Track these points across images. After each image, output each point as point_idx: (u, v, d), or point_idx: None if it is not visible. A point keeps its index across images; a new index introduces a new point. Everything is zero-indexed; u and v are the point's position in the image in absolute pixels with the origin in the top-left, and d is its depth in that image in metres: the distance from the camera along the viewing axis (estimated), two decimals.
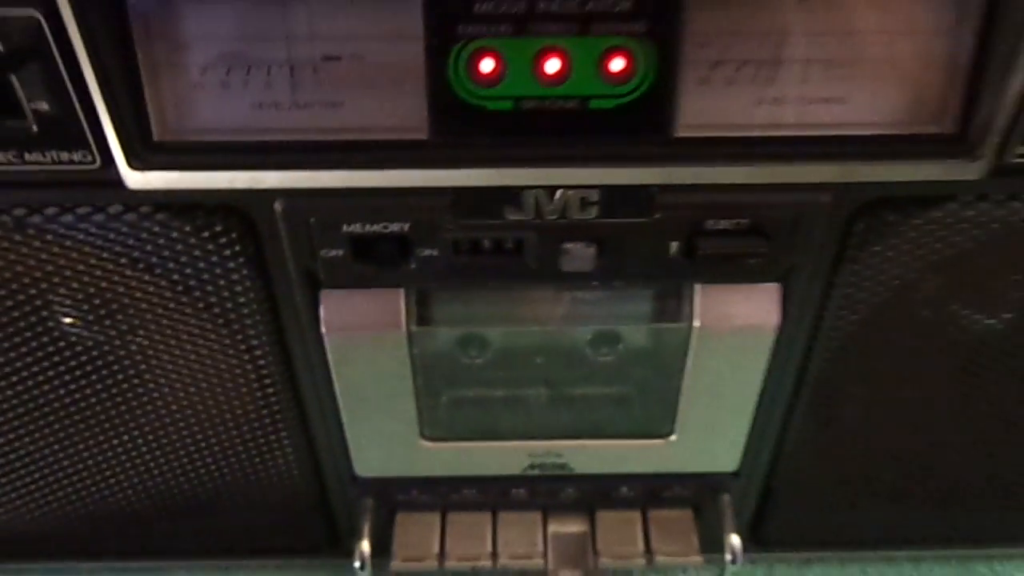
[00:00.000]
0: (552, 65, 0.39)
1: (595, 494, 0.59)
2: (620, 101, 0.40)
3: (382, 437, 0.54)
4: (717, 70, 0.40)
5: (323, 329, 0.47)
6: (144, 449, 0.56)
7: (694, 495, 0.59)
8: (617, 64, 0.39)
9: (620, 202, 0.42)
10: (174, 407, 0.53)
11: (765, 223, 0.43)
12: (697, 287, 0.47)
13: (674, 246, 0.44)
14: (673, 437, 0.54)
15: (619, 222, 0.43)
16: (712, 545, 0.59)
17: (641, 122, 0.40)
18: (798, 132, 0.41)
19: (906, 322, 0.49)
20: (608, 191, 0.42)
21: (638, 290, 0.48)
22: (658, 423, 0.54)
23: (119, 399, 0.53)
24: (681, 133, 0.40)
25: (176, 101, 0.40)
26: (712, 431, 0.54)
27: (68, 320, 0.50)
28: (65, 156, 0.40)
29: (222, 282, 0.46)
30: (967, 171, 0.41)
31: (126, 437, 0.55)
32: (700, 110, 0.41)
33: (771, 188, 0.42)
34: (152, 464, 0.57)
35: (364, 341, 0.48)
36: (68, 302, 0.48)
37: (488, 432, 0.55)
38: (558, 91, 0.39)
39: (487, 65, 0.39)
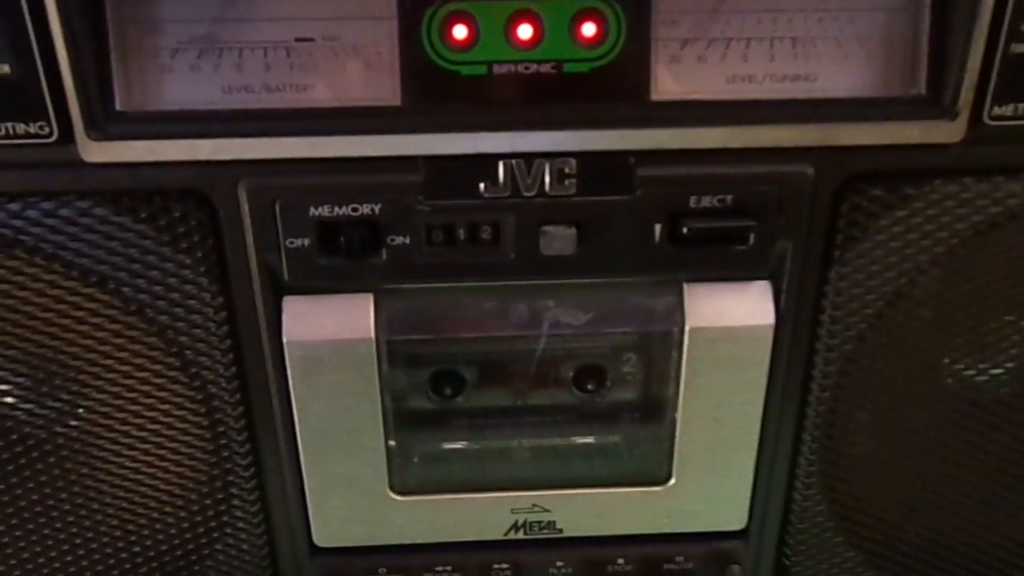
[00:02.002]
0: (525, 30, 0.39)
1: (587, 570, 0.52)
2: (595, 65, 0.40)
3: (347, 489, 0.48)
4: (687, 48, 0.41)
5: (285, 339, 0.43)
6: (64, 525, 0.49)
7: (700, 567, 0.52)
8: (589, 28, 0.39)
9: (598, 174, 0.41)
10: (109, 463, 0.47)
11: (749, 200, 0.42)
12: (686, 288, 0.44)
13: (658, 229, 0.42)
14: (672, 482, 0.49)
15: (599, 200, 0.41)
16: None
17: (617, 86, 0.40)
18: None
19: (908, 332, 0.46)
20: (585, 160, 0.40)
21: (625, 294, 0.45)
22: (654, 465, 0.49)
23: (40, 464, 0.47)
24: (657, 98, 0.40)
25: (143, 81, 0.40)
26: (714, 472, 0.48)
27: (9, 400, 0.46)
28: (21, 128, 0.39)
29: (175, 294, 0.43)
30: (945, 132, 0.40)
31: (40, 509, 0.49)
32: (673, 86, 0.41)
33: (752, 157, 0.41)
34: (75, 546, 0.50)
35: (330, 355, 0.44)
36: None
37: (466, 483, 0.49)
38: (532, 55, 0.39)
39: (460, 31, 0.39)
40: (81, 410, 0.46)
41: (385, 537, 0.50)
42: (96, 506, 0.49)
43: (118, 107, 0.39)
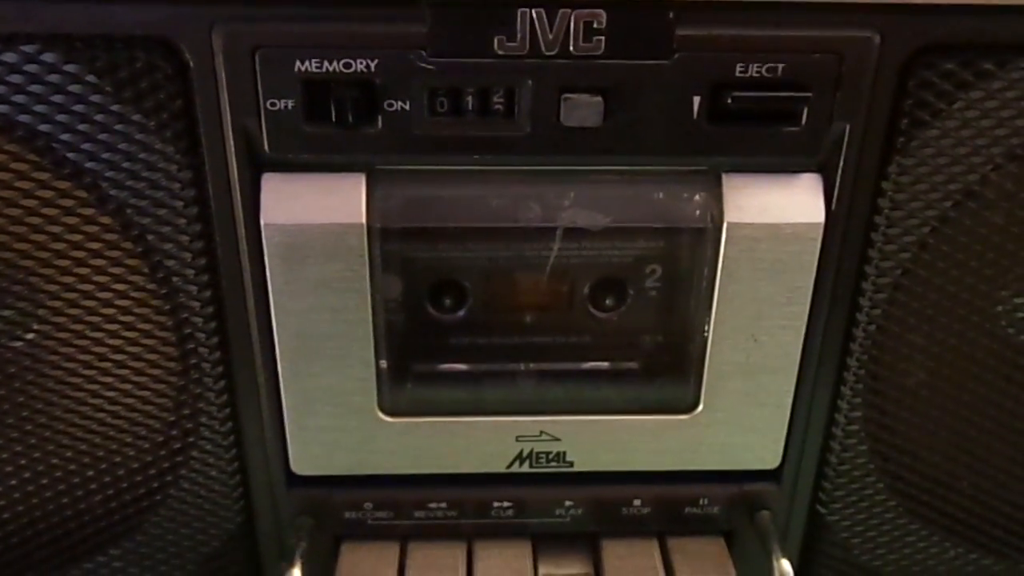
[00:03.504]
0: None
1: (599, 511, 0.46)
2: None
3: (330, 407, 0.42)
4: None
5: (263, 221, 0.38)
6: (6, 444, 0.43)
7: (725, 512, 0.46)
8: None
9: (631, 32, 0.35)
10: (57, 371, 0.41)
11: (803, 70, 0.36)
12: (725, 178, 0.39)
13: (696, 103, 0.36)
14: (699, 410, 0.43)
15: (631, 64, 0.36)
16: None
17: None
18: None
19: (976, 241, 0.40)
20: (617, 13, 0.34)
21: (655, 186, 0.39)
22: (680, 391, 0.43)
23: None
24: None
25: None
26: (748, 399, 0.42)
27: None
28: None
29: (136, 165, 0.37)
30: None
31: None
32: None
33: (810, 18, 0.35)
34: (20, 468, 0.44)
35: (314, 242, 0.38)
36: None
37: (467, 405, 0.43)
38: None
39: None
40: (33, 328, 0.41)
41: (372, 466, 0.44)
42: (44, 422, 0.42)
43: None
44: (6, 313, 0.41)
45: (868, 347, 0.42)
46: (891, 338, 0.42)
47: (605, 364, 0.44)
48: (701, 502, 0.46)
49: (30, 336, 0.41)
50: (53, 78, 0.35)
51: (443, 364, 0.43)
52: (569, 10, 0.34)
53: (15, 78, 0.35)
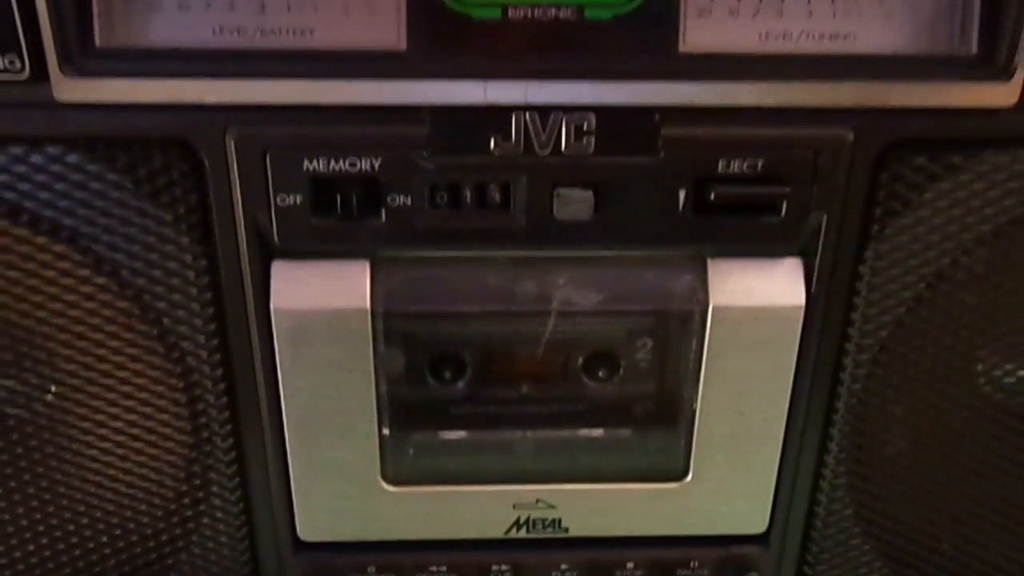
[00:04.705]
0: None
1: (594, 574, 0.48)
2: (618, 11, 0.36)
3: (336, 477, 0.44)
4: (717, 1, 0.38)
5: (273, 306, 0.40)
6: (26, 513, 0.45)
7: (714, 574, 0.48)
8: None
9: (619, 132, 0.37)
10: (76, 444, 0.43)
11: (782, 166, 0.38)
12: (710, 263, 0.41)
13: (682, 196, 0.39)
14: (688, 479, 0.45)
15: (620, 161, 0.38)
16: None
17: (642, 35, 0.36)
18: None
19: (950, 319, 0.42)
20: (606, 116, 0.37)
21: (645, 270, 0.42)
22: (670, 460, 0.45)
23: None
24: (685, 50, 0.37)
25: (127, 19, 0.36)
26: (735, 468, 0.44)
27: None
28: None
29: (153, 254, 0.39)
30: (997, 95, 0.37)
31: None
32: (703, 39, 0.38)
33: (787, 118, 0.37)
34: (37, 535, 0.46)
35: (321, 325, 0.40)
36: None
37: (466, 475, 0.45)
38: None
39: None
40: (51, 391, 0.43)
41: (375, 532, 0.46)
42: (62, 491, 0.45)
43: (97, 44, 0.36)
44: (26, 388, 0.43)
45: (850, 419, 0.44)
46: (872, 410, 0.44)
47: (599, 433, 0.46)
48: (692, 565, 0.48)
49: (44, 410, 0.43)
50: (77, 177, 0.37)
51: (443, 435, 0.45)
52: (561, 113, 0.37)
53: (41, 177, 0.37)
